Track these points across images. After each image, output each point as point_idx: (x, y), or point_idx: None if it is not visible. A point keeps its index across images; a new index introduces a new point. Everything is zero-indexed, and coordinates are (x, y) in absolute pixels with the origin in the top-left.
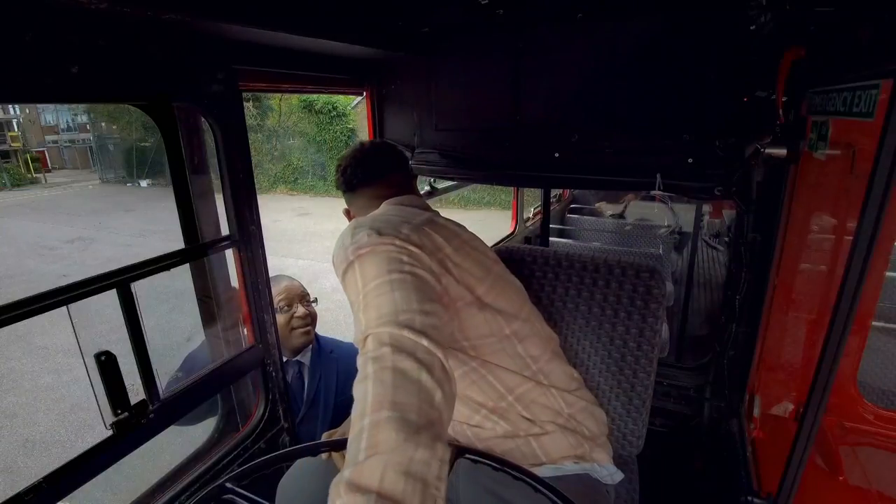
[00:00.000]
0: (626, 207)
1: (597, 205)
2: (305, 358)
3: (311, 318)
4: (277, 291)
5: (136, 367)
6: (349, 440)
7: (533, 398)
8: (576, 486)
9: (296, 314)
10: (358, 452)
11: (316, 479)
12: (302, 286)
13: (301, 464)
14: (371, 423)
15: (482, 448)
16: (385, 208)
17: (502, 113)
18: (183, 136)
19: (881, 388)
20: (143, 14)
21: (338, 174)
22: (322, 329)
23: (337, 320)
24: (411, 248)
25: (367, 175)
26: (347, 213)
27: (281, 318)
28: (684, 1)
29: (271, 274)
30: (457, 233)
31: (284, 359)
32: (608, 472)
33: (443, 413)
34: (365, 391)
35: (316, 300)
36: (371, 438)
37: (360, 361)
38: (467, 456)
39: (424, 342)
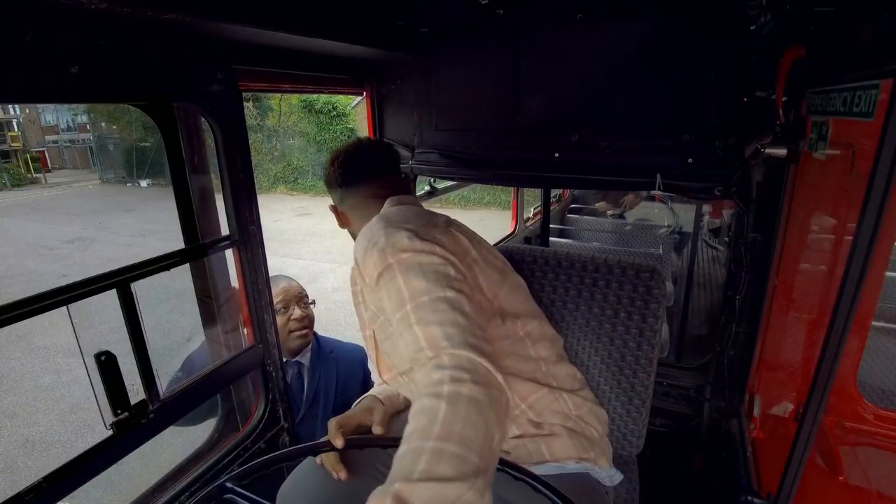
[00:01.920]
0: (625, 208)
1: (597, 205)
2: (305, 358)
3: (308, 321)
4: (275, 292)
5: (136, 367)
6: (405, 448)
7: (545, 405)
8: (576, 486)
9: (292, 316)
10: (413, 471)
11: (318, 481)
12: (300, 287)
13: (304, 466)
14: (435, 449)
15: None
16: (399, 208)
17: (502, 113)
18: (183, 136)
19: (881, 388)
20: (143, 14)
21: (332, 168)
22: (322, 329)
23: (337, 320)
24: (451, 257)
25: (368, 172)
26: (335, 210)
27: (278, 320)
28: (684, 1)
29: (271, 274)
30: (473, 234)
31: (284, 359)
32: (608, 474)
33: (496, 456)
34: (436, 410)
35: (314, 302)
36: (430, 464)
37: (434, 373)
38: None
39: (499, 377)
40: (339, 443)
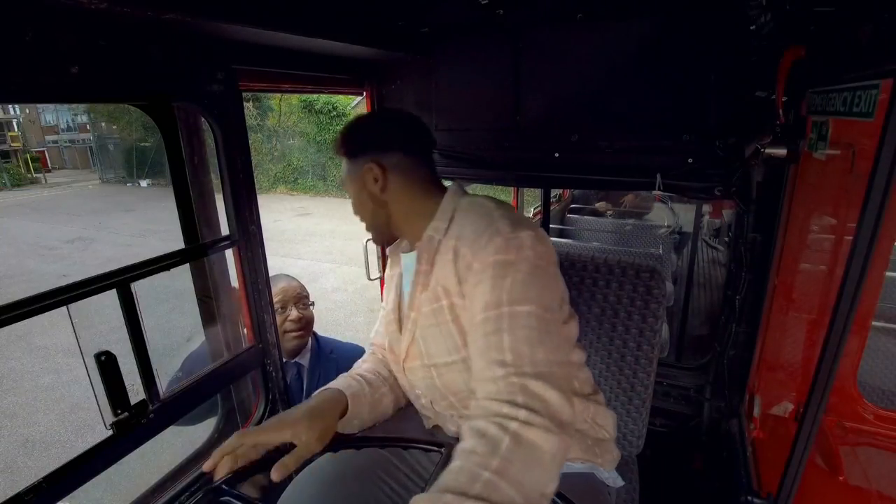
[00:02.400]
0: (625, 208)
1: (597, 205)
2: (304, 359)
3: (304, 322)
4: (273, 292)
5: (136, 367)
6: (460, 465)
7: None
8: (580, 485)
9: (289, 317)
10: (467, 490)
11: (322, 488)
12: (300, 287)
13: (307, 472)
14: (490, 481)
15: None
16: (485, 201)
17: (502, 113)
18: (183, 136)
19: (881, 388)
20: (143, 14)
21: (389, 125)
22: (321, 329)
23: (337, 320)
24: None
25: (422, 147)
26: (364, 182)
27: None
28: (684, 1)
29: (271, 274)
30: None
31: (283, 360)
32: (610, 477)
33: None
34: (499, 442)
35: (314, 303)
36: (485, 491)
37: (508, 398)
38: None
39: (569, 417)
40: (219, 472)
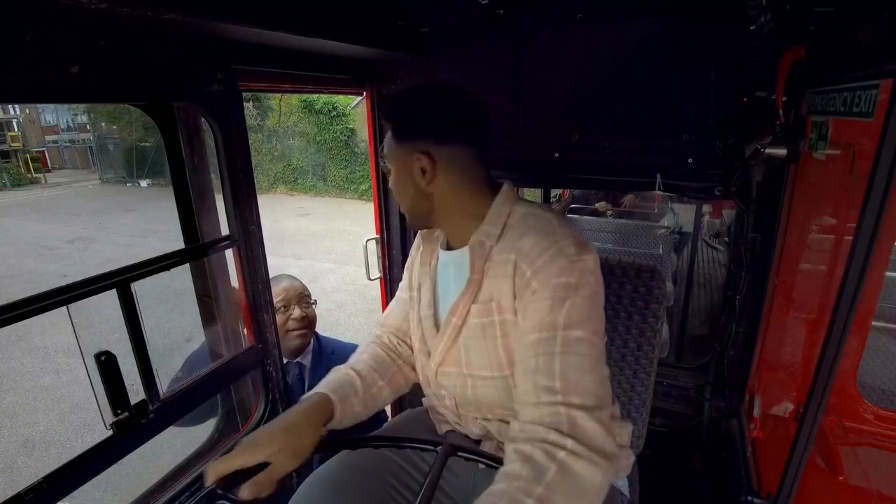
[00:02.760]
0: (625, 208)
1: (597, 205)
2: (306, 359)
3: (307, 321)
4: (276, 291)
5: (136, 367)
6: (503, 488)
7: None
8: None
9: (292, 316)
10: None
11: (329, 495)
12: (302, 286)
13: (313, 479)
14: None
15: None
16: (545, 213)
17: (502, 113)
18: (183, 136)
19: (881, 388)
20: (143, 14)
21: (435, 105)
22: (322, 329)
23: (337, 321)
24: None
25: (480, 138)
26: (425, 195)
27: (278, 319)
28: (684, 1)
29: (271, 274)
30: None
31: (285, 360)
32: (624, 485)
33: None
34: (545, 471)
35: (316, 302)
36: None
37: (555, 425)
38: (459, 454)
39: (614, 449)
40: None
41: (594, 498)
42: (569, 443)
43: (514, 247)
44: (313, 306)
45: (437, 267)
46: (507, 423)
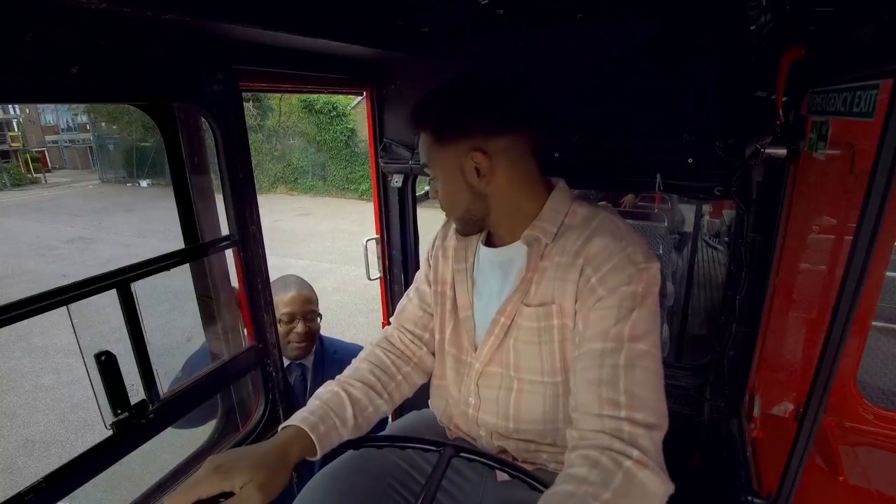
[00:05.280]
0: (625, 208)
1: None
2: (308, 361)
3: (309, 336)
4: (283, 302)
5: (136, 367)
6: (571, 489)
7: None
8: None
9: (295, 329)
10: None
11: (333, 497)
12: (310, 296)
13: (316, 480)
14: None
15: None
16: (610, 215)
17: None
18: (183, 136)
19: (881, 388)
20: (143, 14)
21: (481, 97)
22: (323, 330)
23: (338, 321)
24: None
25: (533, 125)
26: (481, 196)
27: (280, 329)
28: (684, 1)
29: (277, 275)
30: None
31: (287, 362)
32: None
33: None
34: (612, 476)
35: (321, 316)
36: None
37: (621, 434)
38: (462, 455)
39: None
40: None
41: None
42: (635, 452)
43: (580, 250)
44: (318, 320)
45: (477, 263)
46: (527, 442)
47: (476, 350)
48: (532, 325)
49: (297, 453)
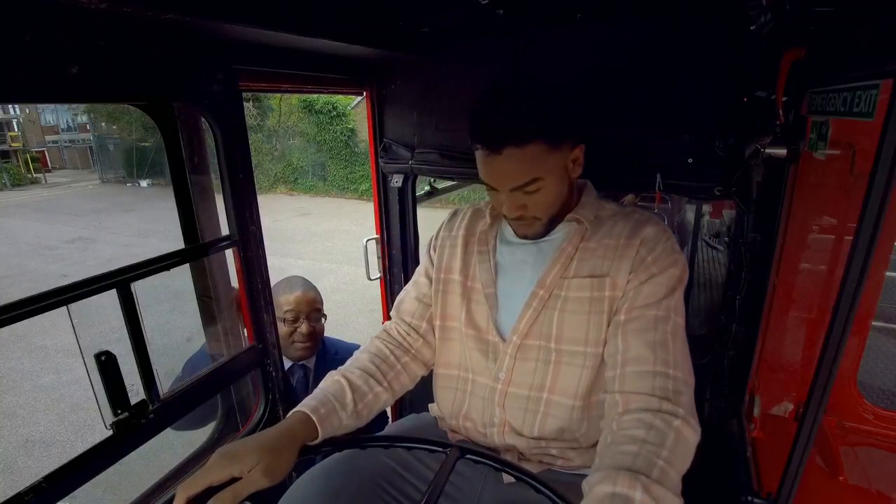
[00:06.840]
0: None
1: None
2: (310, 362)
3: (313, 336)
4: (287, 301)
5: (136, 367)
6: (636, 449)
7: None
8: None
9: (299, 329)
10: (649, 473)
11: (323, 491)
12: (315, 297)
13: (307, 475)
14: (664, 470)
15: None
16: (630, 207)
17: None
18: (183, 136)
19: (881, 388)
20: (143, 14)
21: (556, 94)
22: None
23: (338, 321)
24: None
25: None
26: (570, 189)
27: (283, 329)
28: (684, 1)
29: (280, 276)
30: None
31: (289, 363)
32: None
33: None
34: (665, 435)
35: (325, 316)
36: (661, 476)
37: (670, 397)
38: (468, 457)
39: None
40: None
41: (692, 457)
42: (680, 412)
43: (633, 233)
44: (322, 321)
45: (500, 244)
46: (544, 440)
47: (496, 327)
48: (583, 295)
49: (301, 436)
